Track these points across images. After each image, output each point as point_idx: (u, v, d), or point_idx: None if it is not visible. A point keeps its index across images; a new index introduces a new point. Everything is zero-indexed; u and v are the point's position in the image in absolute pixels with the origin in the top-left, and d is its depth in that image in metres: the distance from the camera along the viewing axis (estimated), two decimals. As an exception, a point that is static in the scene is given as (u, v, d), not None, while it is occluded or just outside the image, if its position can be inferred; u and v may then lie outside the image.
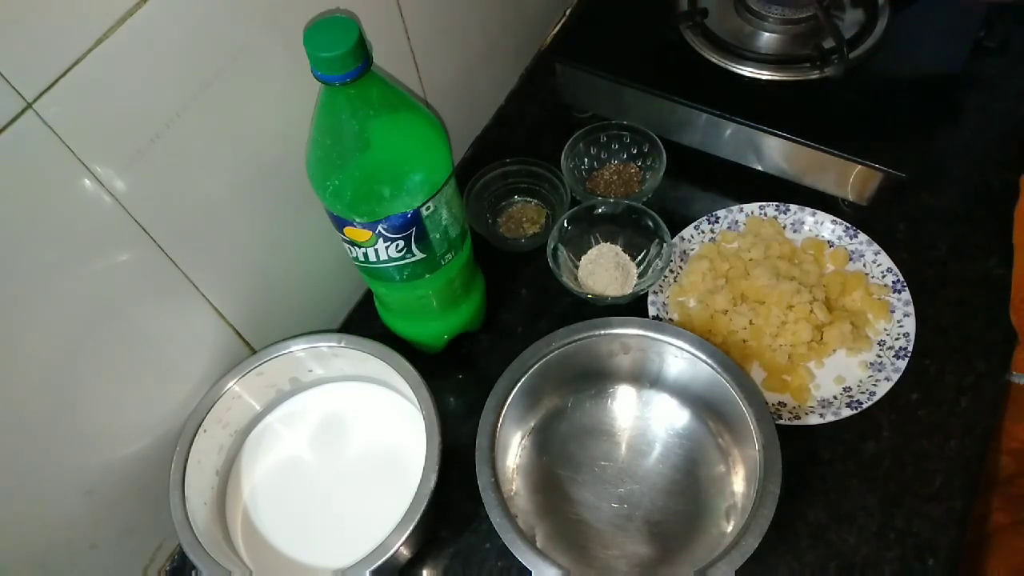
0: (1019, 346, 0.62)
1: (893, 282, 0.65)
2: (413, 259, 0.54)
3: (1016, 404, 0.62)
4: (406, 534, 0.49)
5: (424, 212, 0.51)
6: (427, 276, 0.56)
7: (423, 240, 0.53)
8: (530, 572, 0.48)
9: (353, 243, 0.52)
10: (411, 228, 0.51)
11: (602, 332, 0.58)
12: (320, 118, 0.47)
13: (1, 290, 0.40)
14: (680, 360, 0.58)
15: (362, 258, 0.54)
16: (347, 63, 0.42)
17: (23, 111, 0.37)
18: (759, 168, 0.71)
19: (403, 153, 0.49)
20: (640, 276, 0.69)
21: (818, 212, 0.69)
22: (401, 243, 0.52)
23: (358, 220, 0.50)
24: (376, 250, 0.52)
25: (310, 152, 0.49)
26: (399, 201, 0.49)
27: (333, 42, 0.42)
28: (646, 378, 0.61)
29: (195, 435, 0.54)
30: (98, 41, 0.39)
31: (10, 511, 0.46)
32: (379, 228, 0.51)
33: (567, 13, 0.92)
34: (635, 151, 0.75)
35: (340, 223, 0.51)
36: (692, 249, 0.69)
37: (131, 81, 0.41)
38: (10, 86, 0.36)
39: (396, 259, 0.53)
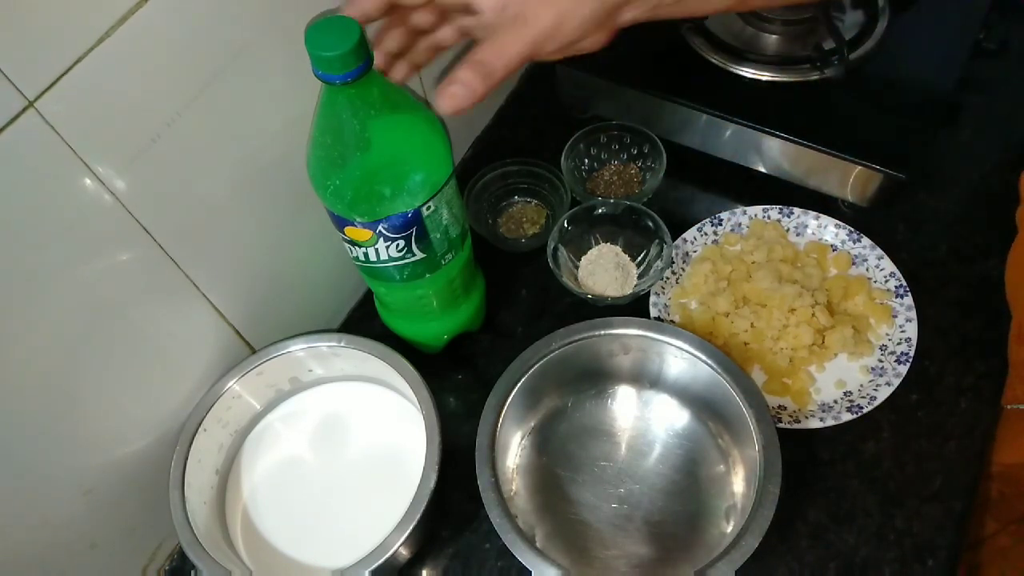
0: (1009, 380, 0.61)
1: (896, 287, 0.64)
2: (413, 259, 0.54)
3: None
4: (406, 534, 0.49)
5: (425, 212, 0.51)
6: (427, 276, 0.56)
7: (423, 240, 0.53)
8: (530, 572, 0.48)
9: (353, 243, 0.52)
10: (412, 228, 0.51)
11: (602, 332, 0.58)
12: (321, 118, 0.47)
13: (1, 289, 0.40)
14: (680, 360, 0.58)
15: (362, 258, 0.54)
16: (348, 62, 0.42)
17: (24, 110, 0.37)
18: (759, 169, 0.71)
19: (404, 153, 0.49)
20: (640, 277, 0.69)
21: (821, 216, 0.69)
22: (401, 243, 0.52)
23: (359, 220, 0.50)
24: (376, 250, 0.52)
25: (310, 152, 0.49)
26: (400, 201, 0.49)
27: (334, 41, 0.42)
28: (646, 378, 0.61)
29: (195, 434, 0.54)
30: (99, 40, 0.39)
31: (10, 511, 0.46)
32: (380, 228, 0.51)
33: (567, 14, 0.92)
34: (635, 152, 0.75)
35: (340, 223, 0.51)
36: (694, 251, 0.69)
37: (132, 80, 0.41)
38: (11, 85, 0.36)
39: (396, 259, 0.53)
